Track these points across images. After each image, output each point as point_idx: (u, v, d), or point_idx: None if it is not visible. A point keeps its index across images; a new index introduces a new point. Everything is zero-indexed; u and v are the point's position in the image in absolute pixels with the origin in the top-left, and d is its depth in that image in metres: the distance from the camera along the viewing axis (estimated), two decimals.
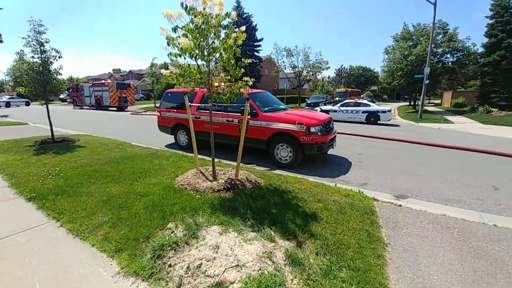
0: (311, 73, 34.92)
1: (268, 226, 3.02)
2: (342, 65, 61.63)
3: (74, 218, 3.14)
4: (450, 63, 24.72)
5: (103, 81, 26.32)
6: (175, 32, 3.50)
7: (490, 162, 7.06)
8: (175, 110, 8.25)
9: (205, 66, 3.92)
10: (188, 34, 3.40)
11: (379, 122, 16.20)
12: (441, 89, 42.52)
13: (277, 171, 5.82)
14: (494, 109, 21.16)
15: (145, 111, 24.04)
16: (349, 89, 35.16)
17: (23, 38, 6.68)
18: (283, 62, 35.79)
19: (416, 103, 28.88)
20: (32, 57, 6.89)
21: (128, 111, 24.85)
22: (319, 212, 3.53)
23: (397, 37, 27.97)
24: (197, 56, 3.50)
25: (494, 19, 20.79)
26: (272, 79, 47.04)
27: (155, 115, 21.79)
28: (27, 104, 33.36)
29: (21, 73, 6.82)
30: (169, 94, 8.72)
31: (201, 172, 4.66)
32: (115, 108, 25.77)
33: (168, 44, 3.59)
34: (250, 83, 4.07)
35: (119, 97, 24.79)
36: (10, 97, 33.01)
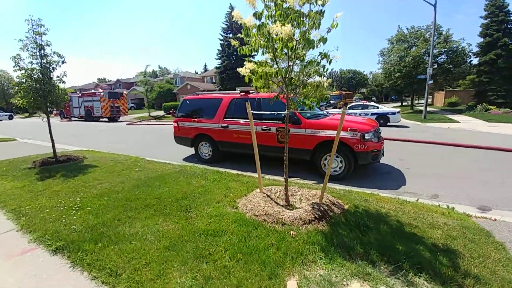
0: (306, 77, 34.68)
1: (414, 274, 2.19)
2: (333, 69, 62.38)
3: (140, 284, 2.15)
4: (446, 64, 25.09)
5: (93, 91, 24.78)
6: (259, 20, 2.67)
7: None
8: (196, 120, 7.29)
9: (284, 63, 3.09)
10: (279, 19, 2.57)
11: (388, 123, 15.89)
12: (431, 89, 43.47)
13: (329, 185, 4.98)
14: (492, 107, 21.44)
15: (140, 121, 22.72)
16: (343, 92, 35.21)
17: (20, 40, 5.59)
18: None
19: (414, 103, 29.15)
20: (31, 62, 5.79)
21: (121, 121, 23.42)
22: (448, 243, 2.75)
23: (392, 39, 28.27)
24: (293, 49, 2.67)
25: (489, 19, 21.28)
26: None
27: (153, 124, 21.00)
28: (10, 118, 31.03)
29: (18, 82, 5.69)
30: (187, 102, 7.76)
31: (267, 195, 3.75)
32: (106, 119, 24.25)
33: (248, 35, 2.75)
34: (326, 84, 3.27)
35: (111, 107, 23.33)
36: None
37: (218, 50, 32.77)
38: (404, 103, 39.47)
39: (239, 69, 3.16)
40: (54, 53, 5.90)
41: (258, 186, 4.10)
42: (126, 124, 19.88)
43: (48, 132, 6.52)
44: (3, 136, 13.24)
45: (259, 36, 2.78)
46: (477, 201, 4.39)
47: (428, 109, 32.19)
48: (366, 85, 62.52)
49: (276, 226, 2.92)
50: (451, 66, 24.73)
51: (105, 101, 22.98)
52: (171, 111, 26.41)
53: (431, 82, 19.23)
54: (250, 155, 7.06)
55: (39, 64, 5.83)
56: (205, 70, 75.02)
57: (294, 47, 2.71)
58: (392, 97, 57.91)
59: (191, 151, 8.14)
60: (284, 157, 3.68)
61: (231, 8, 31.95)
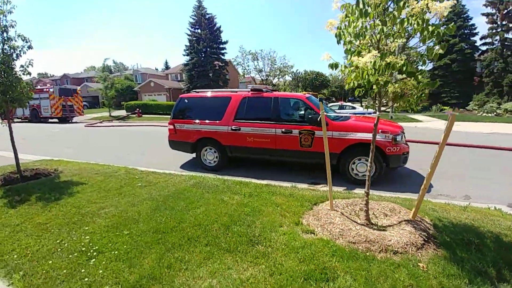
0: (277, 78, 34.91)
1: None
2: (298, 70, 64.12)
3: None
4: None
5: (40, 87, 20.99)
6: None
7: None
8: (198, 122, 6.31)
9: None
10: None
11: None
12: None
13: (358, 190, 4.62)
14: (445, 107, 24.00)
15: (101, 122, 20.03)
16: (311, 93, 36.27)
17: None
18: (248, 66, 35.01)
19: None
20: None
21: (76, 122, 20.34)
22: None
23: None
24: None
25: (444, 26, 23.54)
26: (232, 83, 45.72)
27: (117, 126, 18.43)
28: None
29: None
30: (186, 101, 6.70)
31: (340, 213, 3.13)
32: (56, 120, 20.84)
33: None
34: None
35: (63, 105, 20.06)
36: None
37: (186, 46, 30.86)
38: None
39: (355, 59, 2.43)
40: (18, 36, 4.40)
41: (326, 201, 3.50)
42: (85, 126, 17.25)
43: (7, 139, 4.91)
44: None
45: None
46: (502, 200, 4.39)
47: (388, 109, 35.09)
48: (327, 87, 65.68)
49: (389, 256, 2.34)
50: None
51: (56, 99, 19.63)
52: (136, 111, 23.94)
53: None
54: (262, 160, 6.47)
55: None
56: (167, 67, 70.97)
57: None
58: (349, 98, 61.91)
59: (183, 156, 7.13)
60: (369, 165, 3.10)
61: (199, 1, 30.38)
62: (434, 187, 5.16)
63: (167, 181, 4.83)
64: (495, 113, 19.69)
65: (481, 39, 22.91)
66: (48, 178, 4.96)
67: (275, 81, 36.45)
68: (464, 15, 22.82)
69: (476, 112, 21.59)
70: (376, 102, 2.90)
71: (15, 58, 4.42)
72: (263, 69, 34.36)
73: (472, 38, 23.17)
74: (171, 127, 6.66)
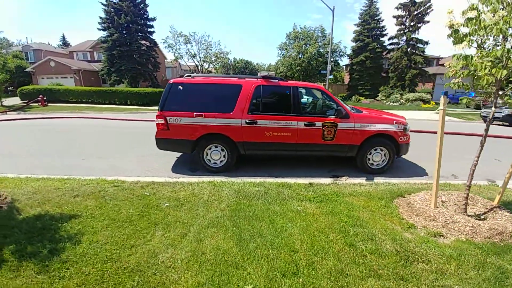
0: (211, 64, 33.07)
1: None
2: (229, 58, 62.79)
3: None
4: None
5: None
6: None
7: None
8: (202, 114, 5.14)
9: None
10: None
11: None
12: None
13: (380, 179, 4.86)
14: (361, 98, 28.24)
15: (5, 112, 14.51)
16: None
17: None
18: (179, 49, 31.77)
19: None
20: None
21: None
22: None
23: (290, 35, 31.41)
24: None
25: (361, 26, 27.42)
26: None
27: (23, 119, 13.32)
28: None
29: None
30: (180, 87, 5.31)
31: (437, 208, 3.01)
32: None
33: None
34: None
35: None
36: None
37: (102, 18, 25.18)
38: None
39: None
40: None
41: (402, 196, 3.30)
42: None
43: None
44: None
45: None
46: (484, 175, 5.31)
47: None
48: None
49: None
50: (333, 63, 30.52)
51: None
52: (39, 98, 18.32)
53: (331, 76, 22.99)
54: (271, 156, 5.84)
55: None
56: (65, 43, 57.20)
57: None
58: None
59: (160, 157, 5.87)
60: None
61: None
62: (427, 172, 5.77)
63: (198, 194, 3.70)
64: (399, 103, 24.46)
65: (388, 39, 27.70)
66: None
67: (208, 67, 34.53)
68: (377, 17, 27.00)
69: (384, 101, 26.25)
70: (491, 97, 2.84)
71: None
72: (197, 54, 31.93)
73: (381, 39, 27.73)
74: (161, 121, 5.20)
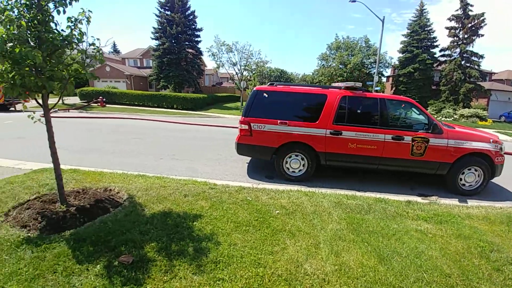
0: (252, 72, 33.83)
1: None
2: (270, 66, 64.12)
3: None
4: (373, 73, 29.69)
5: None
6: None
7: None
8: (287, 122, 5.15)
9: None
10: None
11: None
12: None
13: (473, 202, 4.43)
14: None
15: (56, 111, 16.03)
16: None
17: None
18: (221, 57, 32.95)
19: None
20: None
21: (19, 111, 15.78)
22: None
23: (332, 46, 31.08)
24: None
25: (410, 37, 26.28)
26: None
27: (86, 118, 14.66)
28: None
29: None
30: (265, 95, 5.40)
31: None
32: None
33: None
34: None
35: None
36: None
37: (155, 28, 27.20)
38: None
39: None
40: None
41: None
42: (41, 116, 13.45)
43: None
44: None
45: None
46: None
47: None
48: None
49: None
50: (378, 75, 29.44)
51: None
52: (99, 99, 20.06)
53: (378, 88, 22.12)
54: (348, 168, 5.63)
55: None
56: (115, 50, 62.62)
57: None
58: None
59: (233, 161, 5.93)
60: None
61: None
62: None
63: (298, 203, 3.62)
64: (452, 118, 22.69)
65: (440, 51, 26.11)
66: (120, 211, 3.18)
67: (248, 75, 35.29)
68: (428, 28, 25.68)
69: (435, 116, 24.53)
70: None
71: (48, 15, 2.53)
72: (237, 63, 32.85)
73: (432, 50, 26.25)
74: (245, 126, 5.29)
